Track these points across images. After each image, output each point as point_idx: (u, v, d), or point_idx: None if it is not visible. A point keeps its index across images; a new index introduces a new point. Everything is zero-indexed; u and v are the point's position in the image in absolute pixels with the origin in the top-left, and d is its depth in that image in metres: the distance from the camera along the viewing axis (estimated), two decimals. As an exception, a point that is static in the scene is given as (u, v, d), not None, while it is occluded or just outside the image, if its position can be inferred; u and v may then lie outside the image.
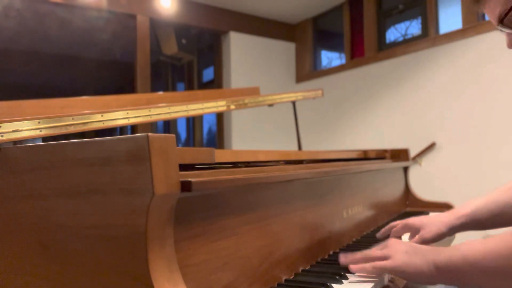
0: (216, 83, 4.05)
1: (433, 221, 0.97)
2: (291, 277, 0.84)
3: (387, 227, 1.10)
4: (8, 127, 0.76)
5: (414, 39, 3.35)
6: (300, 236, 0.90)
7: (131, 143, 0.53)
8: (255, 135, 3.94)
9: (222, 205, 0.68)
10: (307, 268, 0.90)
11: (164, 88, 4.86)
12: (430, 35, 3.19)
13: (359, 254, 0.82)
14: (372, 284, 0.76)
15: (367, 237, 1.21)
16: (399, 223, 1.06)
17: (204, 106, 1.29)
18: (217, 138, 4.03)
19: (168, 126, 4.85)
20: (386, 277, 0.82)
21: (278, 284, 0.79)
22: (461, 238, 1.20)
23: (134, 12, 3.41)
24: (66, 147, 0.60)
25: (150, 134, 0.52)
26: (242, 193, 0.74)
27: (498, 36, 0.78)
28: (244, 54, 4.00)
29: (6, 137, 0.75)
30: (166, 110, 1.15)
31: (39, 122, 0.81)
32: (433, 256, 0.71)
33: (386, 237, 1.12)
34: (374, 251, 0.81)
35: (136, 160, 0.52)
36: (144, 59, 3.45)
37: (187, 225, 0.60)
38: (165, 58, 4.35)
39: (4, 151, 0.68)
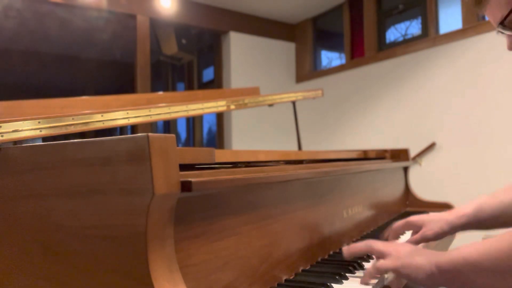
0: (216, 83, 4.05)
1: (435, 220, 0.97)
2: (291, 277, 0.84)
3: (389, 228, 1.10)
4: (8, 127, 0.76)
5: (414, 39, 3.35)
6: (300, 236, 0.90)
7: (131, 143, 0.53)
8: (255, 135, 3.94)
9: (222, 205, 0.68)
10: (307, 268, 0.90)
11: (164, 88, 4.86)
12: (430, 35, 3.19)
13: (362, 245, 0.82)
14: (372, 284, 0.77)
15: (367, 237, 1.21)
16: (399, 222, 1.06)
17: (204, 106, 1.29)
18: (217, 138, 4.03)
19: (168, 126, 4.85)
20: (389, 276, 0.82)
21: (278, 284, 0.79)
22: (461, 237, 1.20)
23: (134, 12, 3.41)
24: (66, 147, 0.60)
25: (150, 134, 0.52)
26: (242, 193, 0.74)
27: (498, 36, 0.78)
28: (244, 54, 4.00)
29: (6, 137, 0.75)
30: (166, 110, 1.15)
31: (39, 122, 0.81)
32: (435, 258, 0.71)
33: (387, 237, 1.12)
34: (376, 242, 0.81)
35: (136, 160, 0.52)
36: (144, 59, 3.45)
37: (187, 225, 0.60)
38: (165, 58, 4.34)
39: (4, 151, 0.68)
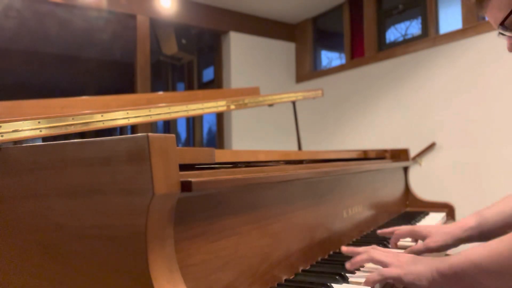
0: (216, 83, 4.05)
1: (440, 232, 0.98)
2: (291, 277, 0.84)
3: (390, 229, 1.10)
4: (8, 127, 0.76)
5: (414, 39, 3.35)
6: (300, 236, 0.90)
7: (131, 143, 0.53)
8: (255, 135, 3.94)
9: (222, 205, 0.68)
10: (307, 268, 0.90)
11: (164, 88, 4.86)
12: (430, 35, 3.19)
13: (363, 257, 0.83)
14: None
15: (367, 237, 1.21)
16: (403, 227, 1.07)
17: (204, 106, 1.29)
18: (217, 138, 4.03)
19: (168, 126, 4.85)
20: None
21: (278, 284, 0.79)
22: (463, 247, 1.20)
23: (134, 12, 3.41)
24: (66, 147, 0.60)
25: (150, 134, 0.52)
26: (242, 193, 0.74)
27: (498, 37, 0.78)
28: (244, 54, 4.00)
29: (6, 137, 0.75)
30: (166, 110, 1.15)
31: (39, 122, 0.81)
32: (436, 264, 0.73)
33: (387, 237, 1.12)
34: (377, 252, 0.82)
35: (136, 160, 0.52)
36: (144, 59, 3.45)
37: (187, 225, 0.60)
38: (165, 58, 4.34)
39: (4, 151, 0.68)
